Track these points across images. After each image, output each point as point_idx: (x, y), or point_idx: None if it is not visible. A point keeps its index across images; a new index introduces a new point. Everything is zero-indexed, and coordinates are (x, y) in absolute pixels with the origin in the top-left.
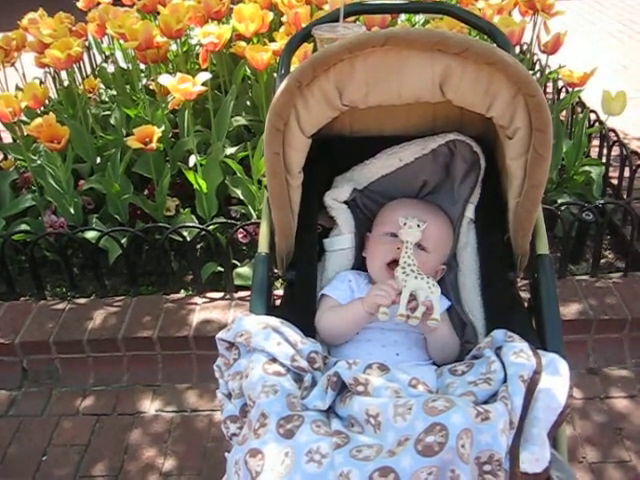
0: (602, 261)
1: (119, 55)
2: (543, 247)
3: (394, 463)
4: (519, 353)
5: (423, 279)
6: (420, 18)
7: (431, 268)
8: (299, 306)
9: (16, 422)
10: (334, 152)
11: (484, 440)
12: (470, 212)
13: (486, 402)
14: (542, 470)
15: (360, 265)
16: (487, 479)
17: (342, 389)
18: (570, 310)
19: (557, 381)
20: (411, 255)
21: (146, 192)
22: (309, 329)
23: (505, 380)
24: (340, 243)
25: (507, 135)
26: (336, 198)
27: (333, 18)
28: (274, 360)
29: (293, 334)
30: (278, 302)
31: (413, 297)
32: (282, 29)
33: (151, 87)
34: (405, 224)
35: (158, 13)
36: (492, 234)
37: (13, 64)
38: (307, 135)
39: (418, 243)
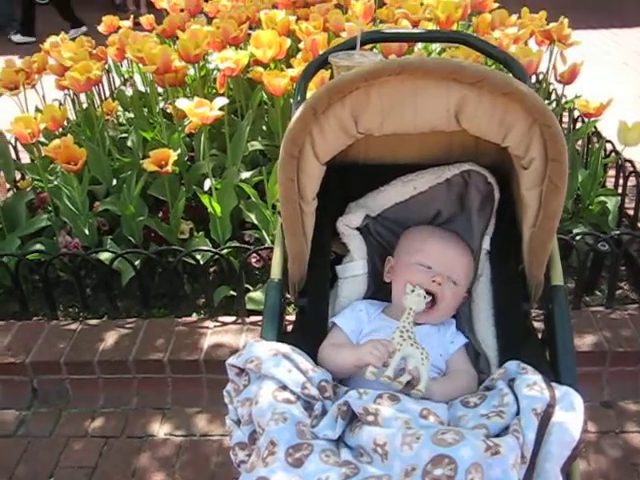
0: (617, 292)
1: (137, 78)
2: (558, 278)
3: None
4: (532, 386)
5: (418, 349)
6: (436, 47)
7: (459, 298)
8: (310, 334)
9: (24, 442)
10: (348, 179)
11: (494, 475)
12: (486, 244)
13: (498, 435)
14: None
15: (373, 293)
16: None
17: (352, 419)
18: (585, 342)
19: (571, 415)
20: (411, 322)
21: (161, 215)
22: None
23: (518, 413)
24: (352, 270)
25: (522, 165)
26: (348, 224)
27: (350, 46)
28: (284, 387)
29: (304, 362)
30: (290, 327)
31: (403, 363)
32: (299, 55)
33: (168, 110)
34: (413, 291)
35: (177, 38)
36: (506, 264)
37: (34, 86)
38: (322, 162)
39: (448, 276)
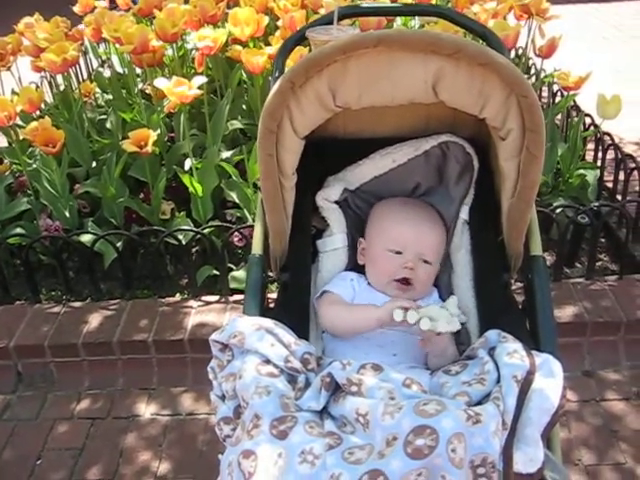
0: (597, 264)
1: (115, 59)
2: (537, 248)
3: (383, 466)
4: (513, 354)
5: (431, 305)
6: (415, 23)
7: (433, 275)
8: (293, 308)
9: (10, 426)
10: (327, 154)
11: (477, 443)
12: (464, 213)
13: (480, 402)
14: (536, 470)
15: (354, 265)
16: None
17: (336, 390)
18: (565, 313)
19: (551, 382)
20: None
21: (142, 196)
22: (302, 331)
23: (499, 381)
24: (333, 243)
25: (500, 136)
26: (327, 198)
27: (327, 21)
28: (268, 361)
29: (287, 335)
30: (272, 305)
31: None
32: (278, 33)
33: (147, 91)
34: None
35: (154, 17)
36: (486, 235)
37: (9, 68)
38: (300, 137)
39: (420, 257)
